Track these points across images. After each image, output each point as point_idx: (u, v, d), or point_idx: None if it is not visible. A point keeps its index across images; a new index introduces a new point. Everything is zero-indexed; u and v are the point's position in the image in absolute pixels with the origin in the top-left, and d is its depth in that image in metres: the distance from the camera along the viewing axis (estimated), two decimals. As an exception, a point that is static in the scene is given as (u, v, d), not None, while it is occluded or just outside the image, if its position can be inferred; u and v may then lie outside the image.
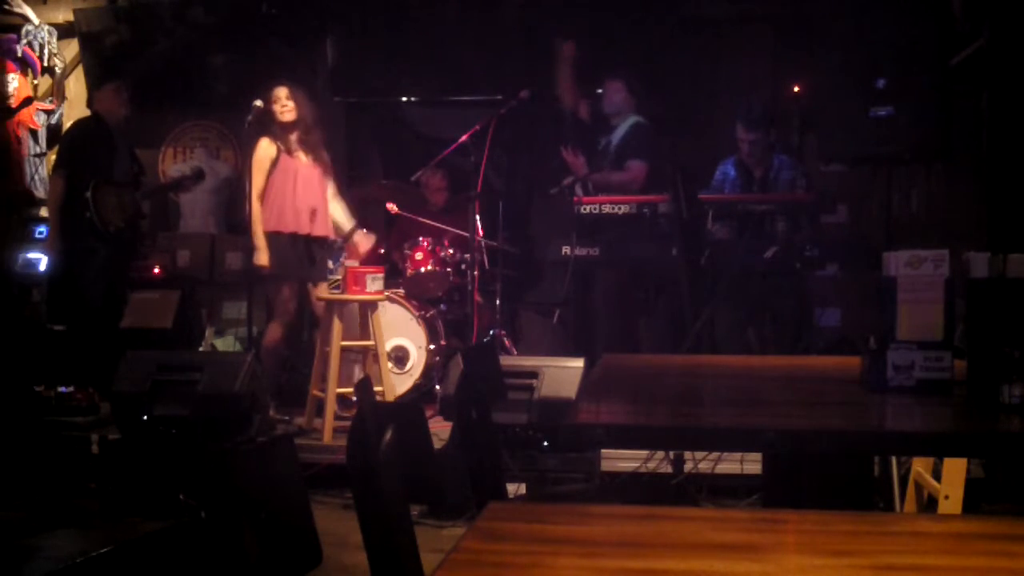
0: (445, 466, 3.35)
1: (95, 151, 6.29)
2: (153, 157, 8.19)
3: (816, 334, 5.79)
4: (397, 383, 5.82)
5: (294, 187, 5.62)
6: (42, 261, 6.94)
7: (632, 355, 5.24)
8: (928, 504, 3.78)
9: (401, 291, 6.23)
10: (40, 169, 7.97)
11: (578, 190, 5.94)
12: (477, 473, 2.37)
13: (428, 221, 6.62)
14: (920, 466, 3.82)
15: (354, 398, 5.21)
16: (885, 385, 2.25)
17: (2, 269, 7.14)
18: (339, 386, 5.24)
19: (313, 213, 5.63)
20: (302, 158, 5.68)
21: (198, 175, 7.13)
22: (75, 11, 7.84)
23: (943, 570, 1.26)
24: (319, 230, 5.66)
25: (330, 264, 6.06)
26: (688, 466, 4.62)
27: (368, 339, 5.46)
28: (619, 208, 5.83)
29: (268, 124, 5.68)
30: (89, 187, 6.16)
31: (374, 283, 5.36)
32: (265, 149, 5.63)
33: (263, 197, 5.60)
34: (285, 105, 5.65)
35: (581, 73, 6.66)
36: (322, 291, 5.70)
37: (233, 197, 7.86)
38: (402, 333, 6.03)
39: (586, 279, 6.05)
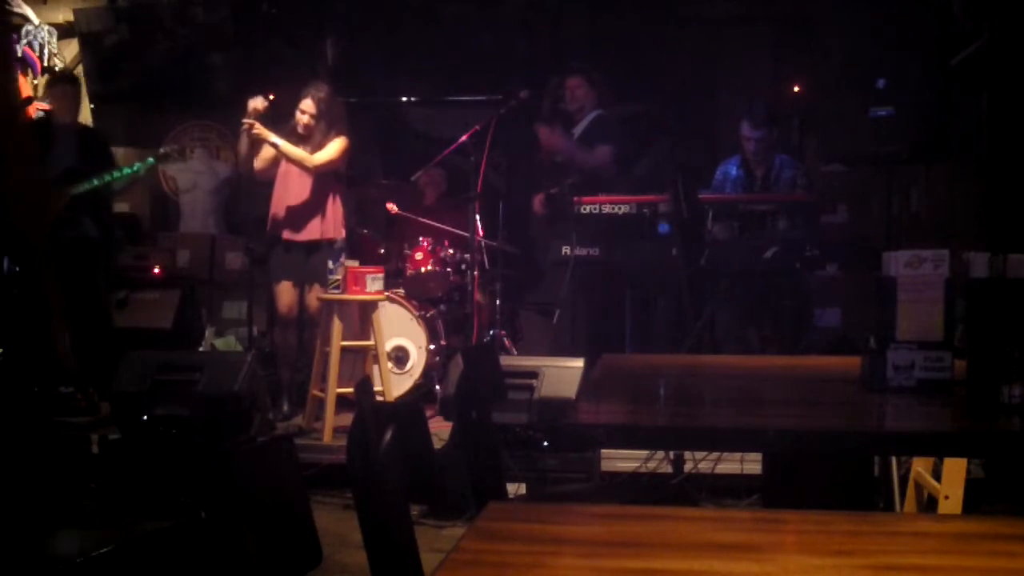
0: (445, 466, 3.35)
1: None
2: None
3: (816, 334, 5.79)
4: (397, 383, 5.82)
5: (283, 190, 5.65)
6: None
7: (632, 355, 5.25)
8: (928, 504, 3.78)
9: (401, 291, 6.23)
10: (39, 169, 7.95)
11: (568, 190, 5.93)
12: (477, 473, 2.36)
13: (428, 221, 6.61)
14: (920, 466, 3.82)
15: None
16: (885, 385, 2.25)
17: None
18: (339, 386, 5.25)
19: (301, 217, 5.64)
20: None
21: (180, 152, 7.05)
22: (75, 11, 7.84)
23: (943, 570, 1.26)
24: (312, 234, 5.66)
25: (330, 264, 6.06)
26: (688, 466, 4.62)
27: (368, 339, 5.46)
28: (619, 208, 5.83)
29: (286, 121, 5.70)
30: None
31: (374, 283, 5.36)
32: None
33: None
34: (304, 114, 5.65)
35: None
36: (314, 294, 5.67)
37: (233, 197, 7.87)
38: (402, 333, 6.03)
39: (586, 279, 6.04)
